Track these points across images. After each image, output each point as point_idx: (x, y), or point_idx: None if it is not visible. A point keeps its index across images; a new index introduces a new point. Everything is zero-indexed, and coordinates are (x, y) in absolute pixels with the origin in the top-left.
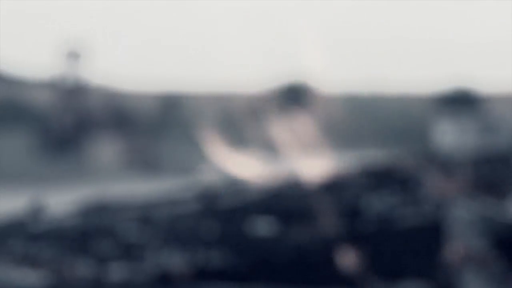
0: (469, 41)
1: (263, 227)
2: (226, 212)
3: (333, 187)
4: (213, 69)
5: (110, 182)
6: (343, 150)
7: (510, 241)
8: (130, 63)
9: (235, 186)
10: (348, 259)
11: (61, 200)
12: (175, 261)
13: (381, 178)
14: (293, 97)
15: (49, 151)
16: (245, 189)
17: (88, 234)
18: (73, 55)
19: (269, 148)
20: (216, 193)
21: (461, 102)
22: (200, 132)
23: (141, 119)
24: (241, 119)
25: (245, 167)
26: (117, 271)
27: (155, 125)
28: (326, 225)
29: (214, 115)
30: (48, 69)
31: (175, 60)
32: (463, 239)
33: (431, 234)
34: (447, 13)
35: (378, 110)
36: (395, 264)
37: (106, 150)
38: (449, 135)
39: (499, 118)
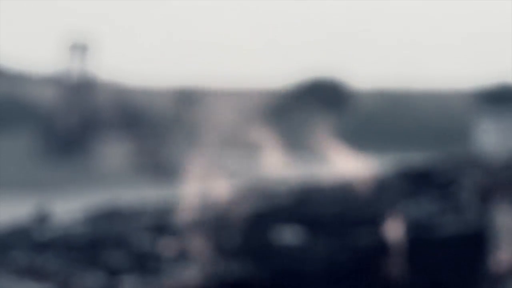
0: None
1: (289, 235)
2: (249, 219)
3: (367, 192)
4: (231, 64)
5: (119, 186)
6: (377, 151)
7: None
8: (140, 57)
9: (258, 190)
10: (383, 270)
11: (67, 207)
12: (192, 273)
13: (419, 182)
14: (318, 93)
15: (54, 153)
16: (269, 194)
17: (98, 243)
18: (79, 48)
19: (293, 148)
20: (238, 197)
21: (504, 99)
22: (217, 131)
23: (153, 117)
24: (262, 117)
25: (269, 170)
26: (129, 284)
27: (169, 124)
28: (359, 233)
29: (232, 113)
30: (52, 64)
31: (190, 55)
32: (507, 248)
33: (473, 243)
34: (489, 3)
35: (414, 107)
36: (434, 275)
37: (115, 151)
38: (492, 135)
39: None
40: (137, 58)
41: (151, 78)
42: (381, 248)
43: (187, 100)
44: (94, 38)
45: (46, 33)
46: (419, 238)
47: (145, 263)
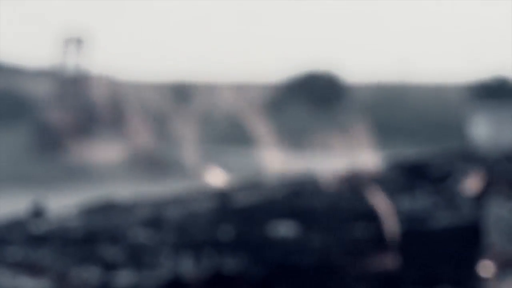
0: (508, 26)
1: (284, 228)
2: (243, 213)
3: (361, 186)
4: (226, 57)
5: (114, 181)
6: (372, 144)
7: None
8: (135, 52)
9: (253, 184)
10: (376, 263)
11: (62, 202)
12: (188, 266)
13: (413, 176)
14: (314, 87)
15: (48, 147)
16: (264, 187)
17: (93, 237)
18: (73, 42)
19: (289, 142)
20: (232, 191)
21: (499, 93)
22: (213, 126)
23: (147, 112)
24: (257, 111)
25: (264, 163)
26: (125, 278)
27: (163, 119)
28: (353, 227)
29: (227, 107)
30: (47, 58)
31: (185, 49)
32: (502, 243)
33: (467, 237)
34: None
35: (409, 101)
36: (428, 269)
37: (110, 147)
38: (487, 129)
39: None
40: (131, 52)
41: (146, 73)
42: (376, 242)
43: (182, 95)
44: (89, 32)
45: (41, 27)
46: (414, 232)
47: (141, 258)
